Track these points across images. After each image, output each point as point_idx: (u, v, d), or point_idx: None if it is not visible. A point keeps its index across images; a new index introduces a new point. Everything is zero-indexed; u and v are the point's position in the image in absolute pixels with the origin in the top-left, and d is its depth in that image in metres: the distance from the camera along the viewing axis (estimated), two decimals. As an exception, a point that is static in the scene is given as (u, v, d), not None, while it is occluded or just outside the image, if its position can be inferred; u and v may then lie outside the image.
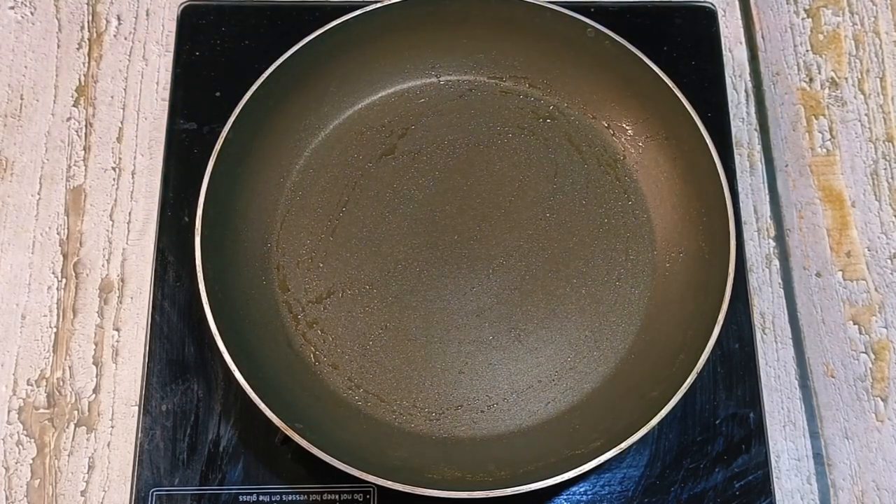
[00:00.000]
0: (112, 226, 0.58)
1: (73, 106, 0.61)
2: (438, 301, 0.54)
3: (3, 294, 0.56)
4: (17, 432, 0.54)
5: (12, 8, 0.63)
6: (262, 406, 0.46)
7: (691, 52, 0.61)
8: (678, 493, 0.51)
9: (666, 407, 0.46)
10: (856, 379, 0.56)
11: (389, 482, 0.45)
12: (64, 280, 0.57)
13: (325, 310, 0.54)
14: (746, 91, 0.63)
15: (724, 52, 0.62)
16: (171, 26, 0.62)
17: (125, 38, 0.63)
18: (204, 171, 0.51)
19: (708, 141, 0.52)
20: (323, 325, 0.53)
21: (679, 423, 0.53)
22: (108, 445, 0.54)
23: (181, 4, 0.61)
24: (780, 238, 0.60)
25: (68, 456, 0.53)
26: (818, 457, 0.55)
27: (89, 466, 0.53)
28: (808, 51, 0.64)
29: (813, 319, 0.57)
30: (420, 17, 0.56)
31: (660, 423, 0.46)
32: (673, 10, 0.62)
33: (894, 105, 0.63)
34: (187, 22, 0.60)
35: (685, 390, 0.47)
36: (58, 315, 0.56)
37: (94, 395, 0.55)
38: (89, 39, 0.63)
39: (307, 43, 0.54)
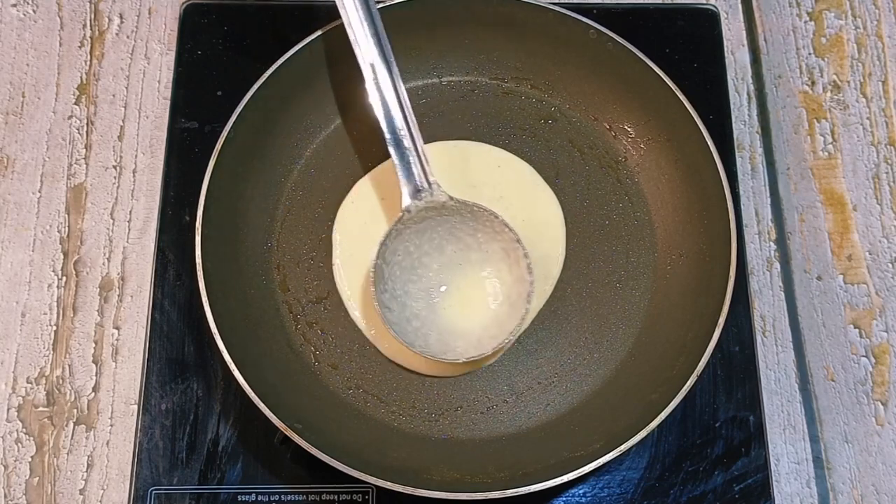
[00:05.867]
0: (113, 224, 0.58)
1: (75, 104, 0.61)
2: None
3: (4, 292, 0.56)
4: (17, 430, 0.54)
5: (14, 5, 0.63)
6: (262, 406, 0.46)
7: (693, 55, 0.61)
8: (677, 496, 0.51)
9: (666, 409, 0.46)
10: (856, 383, 0.56)
11: (388, 483, 0.45)
12: (64, 278, 0.57)
13: (324, 310, 0.54)
14: (748, 93, 0.63)
15: (726, 55, 0.61)
16: (173, 25, 0.62)
17: (127, 37, 0.63)
18: (205, 170, 0.51)
19: (709, 143, 0.52)
20: (323, 325, 0.53)
21: (679, 426, 0.53)
22: (108, 444, 0.54)
23: (183, 3, 0.61)
24: (781, 241, 0.60)
25: (67, 454, 0.53)
26: (818, 460, 0.55)
27: (88, 465, 0.53)
28: (810, 54, 0.64)
29: (813, 323, 0.57)
30: (422, 17, 0.56)
31: (659, 426, 0.46)
32: (675, 12, 0.62)
33: (896, 108, 0.63)
34: (189, 21, 0.60)
35: (685, 393, 0.47)
36: (58, 313, 0.56)
37: (93, 394, 0.55)
38: (91, 37, 0.63)
39: (309, 43, 0.54)
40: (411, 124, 0.51)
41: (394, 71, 0.51)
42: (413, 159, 0.52)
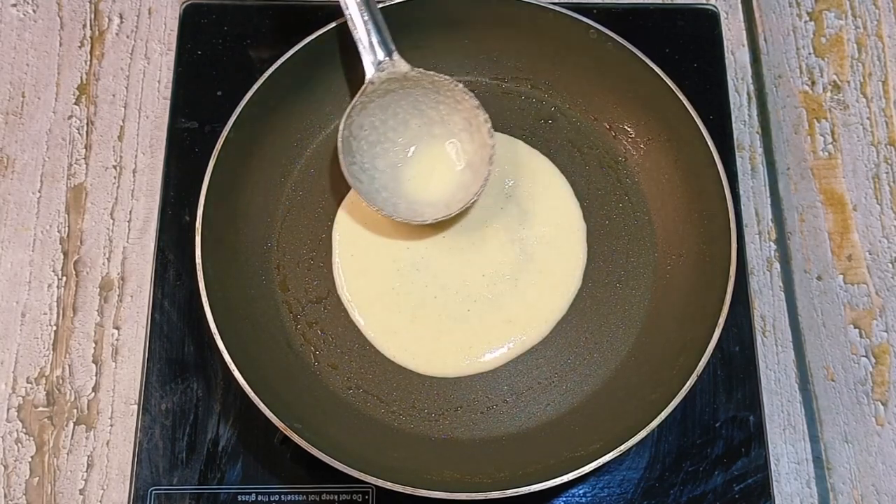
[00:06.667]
0: (113, 224, 0.58)
1: (75, 104, 0.61)
2: (438, 302, 0.54)
3: (4, 292, 0.56)
4: (17, 430, 0.54)
5: (14, 5, 0.63)
6: (262, 406, 0.46)
7: (693, 55, 0.61)
8: (677, 496, 0.51)
9: (666, 409, 0.46)
10: (856, 383, 0.56)
11: (388, 483, 0.45)
12: (64, 278, 0.57)
13: (324, 310, 0.54)
14: (748, 93, 0.63)
15: (726, 55, 0.61)
16: (173, 25, 0.62)
17: (127, 37, 0.63)
18: (205, 170, 0.51)
19: (709, 143, 0.52)
20: (323, 325, 0.53)
21: (679, 426, 0.53)
22: (108, 444, 0.54)
23: (183, 3, 0.61)
24: (781, 241, 0.60)
25: (67, 454, 0.53)
26: (818, 460, 0.55)
27: (88, 465, 0.53)
28: (810, 54, 0.64)
29: (813, 323, 0.57)
30: (421, 17, 0.56)
31: (659, 426, 0.46)
32: (675, 12, 0.62)
33: (896, 108, 0.63)
34: (189, 21, 0.60)
35: (685, 393, 0.47)
36: (58, 313, 0.56)
37: (93, 394, 0.55)
38: (91, 37, 0.63)
39: (309, 42, 0.54)
40: None
41: None
42: (371, 29, 0.52)
